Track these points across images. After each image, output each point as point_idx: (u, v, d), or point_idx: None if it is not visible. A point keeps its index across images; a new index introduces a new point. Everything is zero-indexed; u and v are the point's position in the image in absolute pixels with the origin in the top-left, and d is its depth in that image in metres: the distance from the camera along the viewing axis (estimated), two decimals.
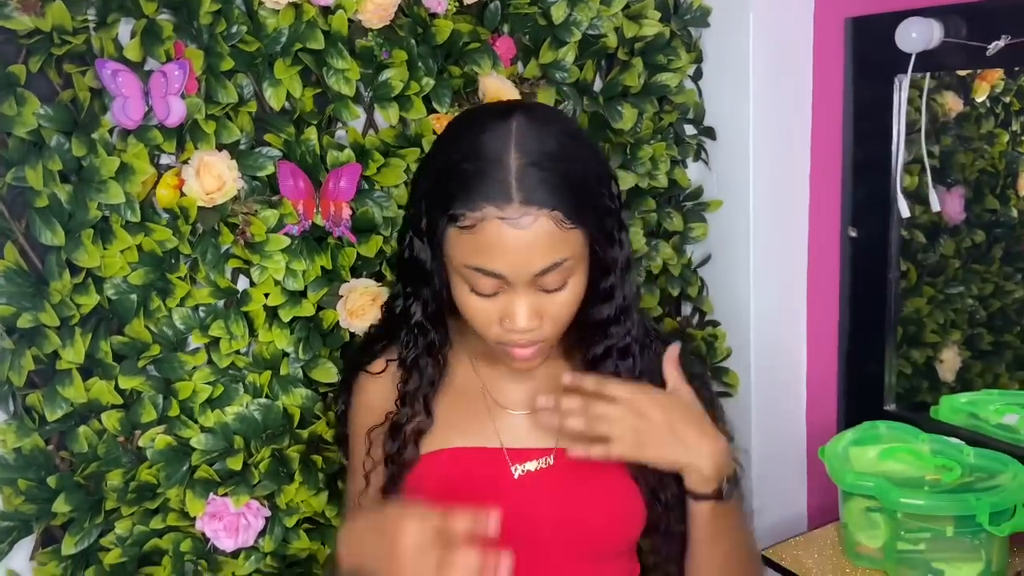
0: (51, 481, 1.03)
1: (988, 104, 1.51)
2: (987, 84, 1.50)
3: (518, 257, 0.75)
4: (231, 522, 1.12)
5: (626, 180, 1.38)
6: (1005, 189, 1.54)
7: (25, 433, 1.02)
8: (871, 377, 1.44)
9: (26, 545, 1.06)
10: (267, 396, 1.15)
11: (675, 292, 1.47)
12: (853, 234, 1.42)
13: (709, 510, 0.87)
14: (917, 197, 1.39)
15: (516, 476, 0.88)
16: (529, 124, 0.78)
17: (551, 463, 0.88)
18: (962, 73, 1.51)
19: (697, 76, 1.46)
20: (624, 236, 0.86)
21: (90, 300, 1.02)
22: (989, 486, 1.13)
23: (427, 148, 1.16)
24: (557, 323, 0.82)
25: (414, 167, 1.16)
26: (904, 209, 1.31)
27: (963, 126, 1.52)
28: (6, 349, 1.00)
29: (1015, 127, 1.52)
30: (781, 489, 1.52)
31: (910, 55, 1.23)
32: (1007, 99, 1.50)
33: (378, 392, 0.93)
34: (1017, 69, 1.38)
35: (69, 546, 1.05)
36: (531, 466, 0.88)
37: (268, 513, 1.15)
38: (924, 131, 1.30)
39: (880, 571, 1.19)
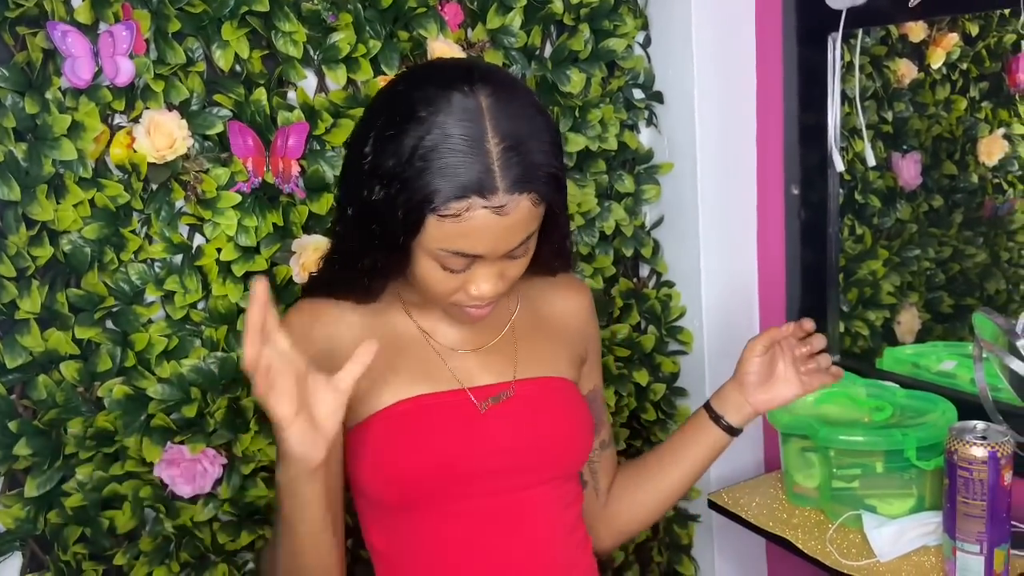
0: (12, 426, 1.08)
1: (944, 71, 1.55)
2: (942, 50, 1.54)
3: (499, 239, 0.78)
4: (188, 469, 1.16)
5: (577, 142, 1.42)
6: (964, 155, 1.58)
7: None
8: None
9: None
10: (223, 349, 1.19)
11: (629, 253, 1.52)
12: (796, 191, 1.46)
13: (727, 442, 1.04)
14: (866, 162, 1.43)
15: (483, 411, 0.90)
16: (497, 102, 0.77)
17: (511, 394, 0.92)
18: (916, 40, 1.54)
19: (646, 43, 1.50)
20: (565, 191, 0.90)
21: (45, 252, 1.07)
22: (918, 423, 1.17)
23: None
24: (513, 281, 0.86)
25: None
26: (839, 164, 1.35)
27: (918, 92, 1.55)
28: None
29: (973, 93, 1.56)
30: (737, 441, 1.55)
31: (840, 12, 1.27)
32: (964, 65, 1.53)
33: (318, 329, 0.91)
34: (940, 23, 1.42)
35: (31, 489, 1.10)
36: (493, 400, 0.90)
37: (225, 461, 1.20)
38: (858, 87, 1.34)
39: (817, 510, 1.24)
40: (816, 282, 1.48)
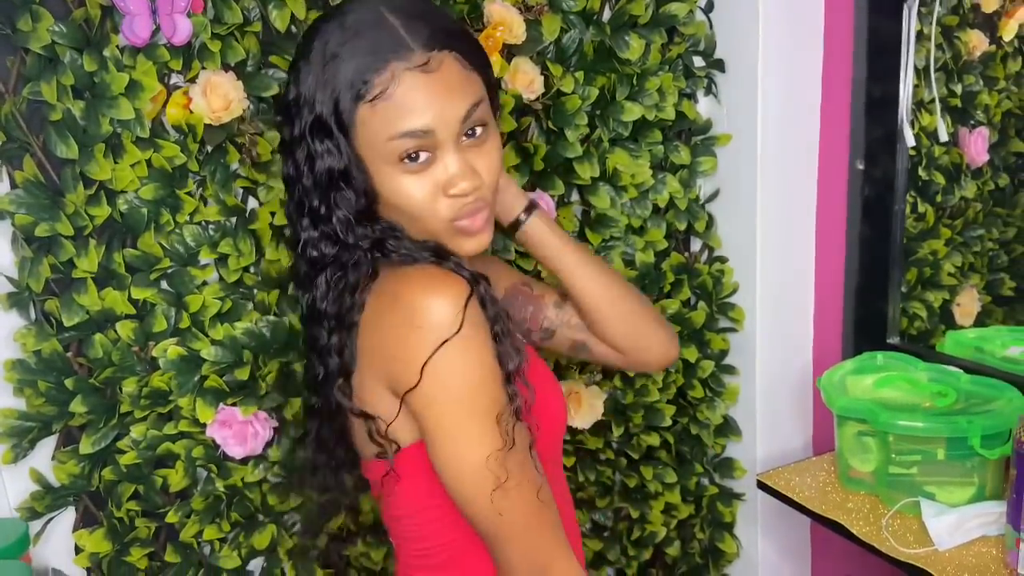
0: (69, 383, 1.09)
1: (1016, 43, 1.48)
2: (1015, 22, 1.47)
3: (439, 102, 0.73)
4: (240, 430, 1.17)
5: (632, 111, 1.38)
6: None
7: (44, 338, 1.07)
8: (876, 310, 1.44)
9: (47, 445, 1.12)
10: (275, 314, 1.19)
11: (682, 227, 1.48)
12: (861, 167, 1.41)
13: (542, 221, 0.96)
14: (937, 137, 1.37)
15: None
16: None
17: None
18: (988, 10, 1.47)
19: (708, 8, 1.45)
20: None
21: (103, 212, 1.07)
22: (983, 410, 1.13)
23: None
24: (491, 178, 0.80)
25: None
26: (910, 139, 1.30)
27: (989, 66, 1.49)
28: (25, 257, 1.05)
29: None
30: (786, 421, 1.54)
31: None
32: None
33: None
34: None
35: (87, 446, 1.11)
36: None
37: (276, 424, 1.20)
38: (932, 58, 1.28)
39: (872, 495, 1.21)
40: (878, 261, 1.43)
